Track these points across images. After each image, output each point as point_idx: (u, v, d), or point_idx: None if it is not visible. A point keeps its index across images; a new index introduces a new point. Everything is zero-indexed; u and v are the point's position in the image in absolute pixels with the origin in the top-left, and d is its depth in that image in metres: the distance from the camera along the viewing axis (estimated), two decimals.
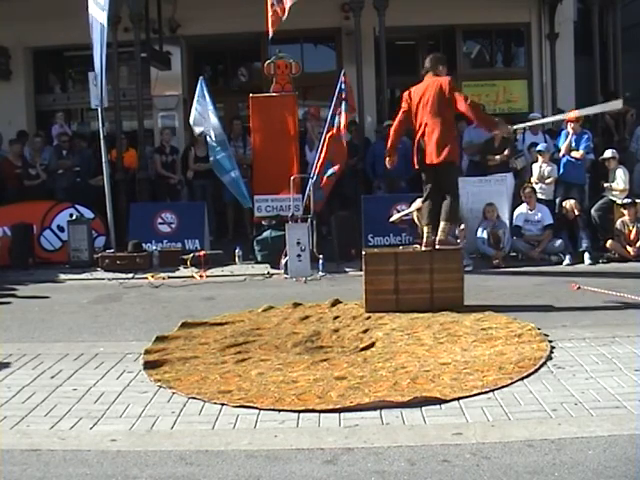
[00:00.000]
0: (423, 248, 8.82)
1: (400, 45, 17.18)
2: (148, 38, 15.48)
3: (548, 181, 12.91)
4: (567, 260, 11.86)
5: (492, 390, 5.67)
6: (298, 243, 11.36)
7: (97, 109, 12.85)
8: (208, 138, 12.94)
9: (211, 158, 13.18)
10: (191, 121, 12.94)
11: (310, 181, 12.26)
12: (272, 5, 12.18)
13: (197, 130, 12.96)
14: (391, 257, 8.66)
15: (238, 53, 18.07)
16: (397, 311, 8.30)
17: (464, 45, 17.21)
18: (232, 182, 12.84)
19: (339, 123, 12.43)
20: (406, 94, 9.01)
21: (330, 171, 12.41)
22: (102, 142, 12.68)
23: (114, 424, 5.23)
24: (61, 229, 13.10)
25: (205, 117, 12.71)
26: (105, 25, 12.19)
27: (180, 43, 16.49)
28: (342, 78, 12.56)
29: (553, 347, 6.77)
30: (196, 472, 4.45)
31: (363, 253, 8.81)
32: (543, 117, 14.75)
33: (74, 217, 12.97)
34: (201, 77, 12.90)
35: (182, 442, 4.89)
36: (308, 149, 13.69)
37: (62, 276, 11.95)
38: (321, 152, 12.49)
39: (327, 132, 12.43)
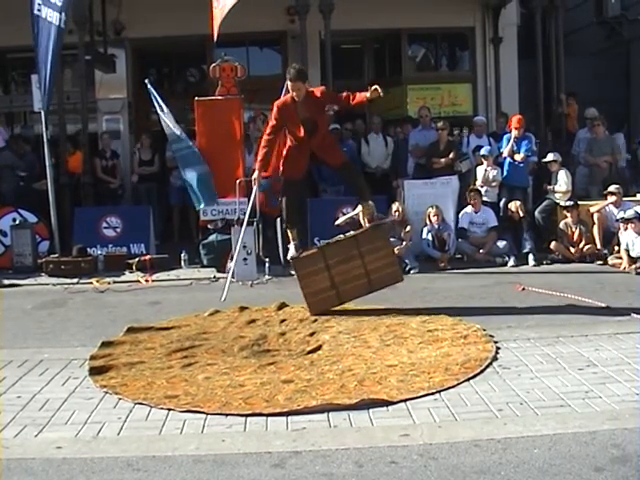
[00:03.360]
0: None
1: (346, 49, 17.22)
2: (92, 41, 15.29)
3: (493, 184, 13.05)
4: (512, 262, 11.98)
5: (439, 391, 5.72)
6: (244, 247, 11.32)
7: (40, 112, 12.67)
8: (171, 130, 12.56)
9: (168, 153, 13.05)
10: (172, 132, 12.50)
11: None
12: (215, 7, 12.10)
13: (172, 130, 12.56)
14: (318, 255, 8.64)
15: (183, 56, 17.97)
16: (340, 304, 8.42)
17: (409, 49, 17.28)
18: (200, 177, 12.25)
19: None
20: None
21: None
22: (46, 145, 12.50)
23: (59, 431, 5.18)
24: (4, 234, 12.85)
25: (166, 115, 12.42)
26: (62, 27, 11.98)
27: (125, 46, 16.30)
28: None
29: (498, 348, 6.85)
30: (143, 478, 4.43)
31: (289, 260, 8.79)
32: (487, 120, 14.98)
33: (17, 222, 12.74)
34: (147, 80, 12.71)
35: (129, 448, 4.85)
36: (247, 153, 13.54)
37: (5, 281, 11.72)
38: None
39: None
